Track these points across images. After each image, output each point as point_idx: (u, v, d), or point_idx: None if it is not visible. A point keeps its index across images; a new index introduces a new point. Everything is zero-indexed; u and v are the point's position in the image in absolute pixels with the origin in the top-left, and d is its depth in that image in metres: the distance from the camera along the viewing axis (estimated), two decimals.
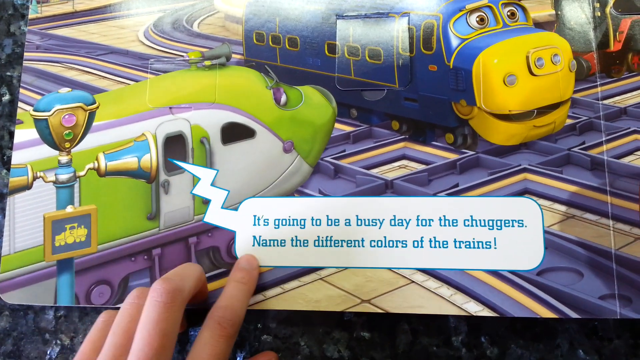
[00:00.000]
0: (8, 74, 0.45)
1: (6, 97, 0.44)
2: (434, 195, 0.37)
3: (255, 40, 0.45)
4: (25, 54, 0.44)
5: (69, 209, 0.38)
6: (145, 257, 0.38)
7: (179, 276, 0.31)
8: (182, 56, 0.43)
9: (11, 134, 0.43)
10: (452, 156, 0.39)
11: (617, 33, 0.40)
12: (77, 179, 0.39)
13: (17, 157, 0.39)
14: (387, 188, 0.38)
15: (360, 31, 0.41)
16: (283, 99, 0.41)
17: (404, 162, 0.40)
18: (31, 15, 0.45)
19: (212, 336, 0.29)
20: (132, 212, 0.39)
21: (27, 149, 0.39)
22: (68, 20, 0.46)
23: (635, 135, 0.38)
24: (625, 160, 0.37)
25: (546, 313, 0.34)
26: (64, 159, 0.39)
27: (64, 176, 0.38)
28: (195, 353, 0.28)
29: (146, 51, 0.44)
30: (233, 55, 0.42)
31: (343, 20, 0.42)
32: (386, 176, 0.39)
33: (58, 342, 0.39)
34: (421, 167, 0.39)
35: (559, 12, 0.41)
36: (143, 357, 0.26)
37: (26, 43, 0.44)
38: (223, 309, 0.31)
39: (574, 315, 0.34)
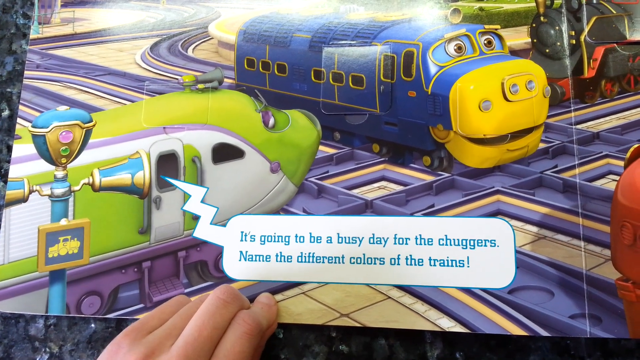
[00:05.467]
0: (8, 90, 0.47)
1: (5, 113, 0.46)
2: (411, 215, 0.39)
3: (246, 66, 0.47)
4: (25, 72, 0.46)
5: (63, 221, 0.40)
6: (135, 269, 0.40)
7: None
8: (177, 79, 0.45)
9: (9, 148, 0.45)
10: (429, 178, 0.41)
11: (591, 60, 0.42)
12: (72, 193, 0.40)
13: (15, 171, 0.41)
14: (367, 208, 0.40)
15: (345, 58, 0.44)
16: (271, 121, 0.43)
17: (384, 183, 0.41)
18: (32, 35, 0.48)
19: (234, 333, 0.31)
20: (124, 226, 0.40)
21: (25, 163, 0.41)
22: (68, 41, 0.48)
23: (608, 159, 0.39)
24: (598, 183, 0.38)
25: (517, 330, 0.35)
26: (60, 173, 0.41)
27: (59, 190, 0.40)
28: (218, 350, 0.30)
29: (142, 73, 0.46)
30: (225, 80, 0.45)
31: (328, 48, 0.44)
32: (366, 196, 0.40)
33: (47, 350, 0.40)
34: (399, 188, 0.41)
35: (535, 40, 0.43)
36: (191, 341, 0.29)
37: (27, 62, 0.47)
38: (247, 312, 0.33)
39: (544, 333, 0.35)
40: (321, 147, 0.43)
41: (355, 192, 0.41)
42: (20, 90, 0.46)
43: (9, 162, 0.44)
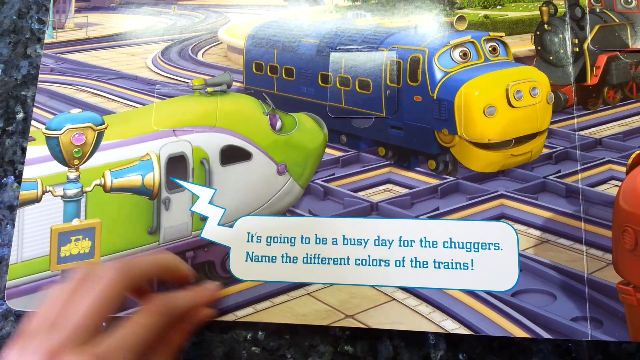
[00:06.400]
0: (23, 93, 0.48)
1: (20, 115, 0.47)
2: (416, 217, 0.39)
3: (254, 70, 0.48)
4: (40, 75, 0.47)
5: (75, 222, 0.41)
6: None
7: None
8: (187, 83, 0.46)
9: (23, 150, 0.46)
10: (434, 181, 0.41)
11: (594, 68, 0.43)
12: (84, 194, 0.41)
13: (28, 172, 0.42)
14: (372, 210, 0.41)
15: (352, 63, 0.44)
16: (278, 124, 0.44)
17: (389, 186, 0.42)
18: (47, 40, 0.49)
19: (138, 311, 0.31)
20: (134, 226, 0.41)
21: (38, 164, 0.42)
22: (81, 45, 0.49)
23: (610, 165, 0.40)
24: (600, 188, 0.39)
25: (520, 333, 0.36)
26: (73, 175, 0.41)
27: (71, 191, 0.41)
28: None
29: (153, 77, 0.47)
30: (234, 83, 0.45)
31: (336, 52, 0.45)
32: (372, 199, 0.41)
33: None
34: (405, 191, 0.41)
35: (539, 48, 0.44)
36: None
37: (41, 66, 0.48)
38: (162, 296, 0.33)
39: (546, 335, 0.35)
40: (328, 150, 0.43)
41: (361, 194, 0.42)
42: (35, 94, 0.47)
43: (23, 163, 0.45)
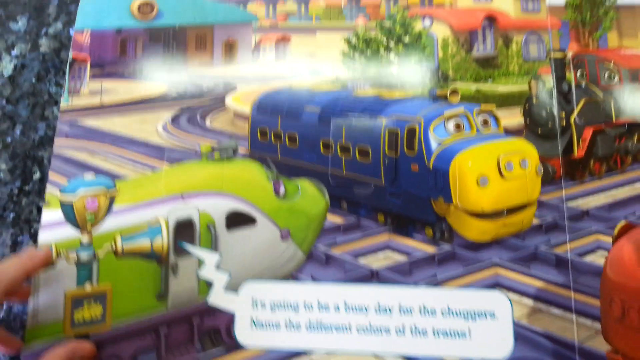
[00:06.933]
0: (40, 154, 0.50)
1: (37, 175, 0.49)
2: (415, 283, 0.41)
3: (259, 136, 0.50)
4: (55, 140, 0.49)
5: (88, 286, 0.42)
6: (153, 335, 0.42)
7: None
8: (195, 148, 0.48)
9: (39, 209, 0.48)
10: (431, 249, 0.43)
11: (581, 141, 0.46)
12: (96, 259, 0.43)
13: (43, 237, 0.44)
14: (372, 276, 0.42)
15: (352, 131, 0.47)
16: (282, 190, 0.46)
17: (388, 252, 0.44)
18: (63, 105, 0.51)
19: None
20: (143, 291, 0.42)
21: (53, 229, 0.44)
22: (96, 111, 0.52)
23: (597, 235, 0.42)
24: (588, 258, 0.41)
25: None
26: (86, 240, 0.43)
27: (84, 256, 0.43)
28: None
29: (163, 143, 0.49)
30: (239, 149, 0.48)
31: (337, 121, 0.48)
32: (371, 264, 0.43)
33: None
34: (403, 257, 0.43)
35: (528, 121, 0.47)
36: None
37: (57, 131, 0.50)
38: None
39: None
40: (329, 216, 0.45)
41: (360, 260, 0.43)
42: (51, 155, 0.49)
43: (38, 222, 0.46)
